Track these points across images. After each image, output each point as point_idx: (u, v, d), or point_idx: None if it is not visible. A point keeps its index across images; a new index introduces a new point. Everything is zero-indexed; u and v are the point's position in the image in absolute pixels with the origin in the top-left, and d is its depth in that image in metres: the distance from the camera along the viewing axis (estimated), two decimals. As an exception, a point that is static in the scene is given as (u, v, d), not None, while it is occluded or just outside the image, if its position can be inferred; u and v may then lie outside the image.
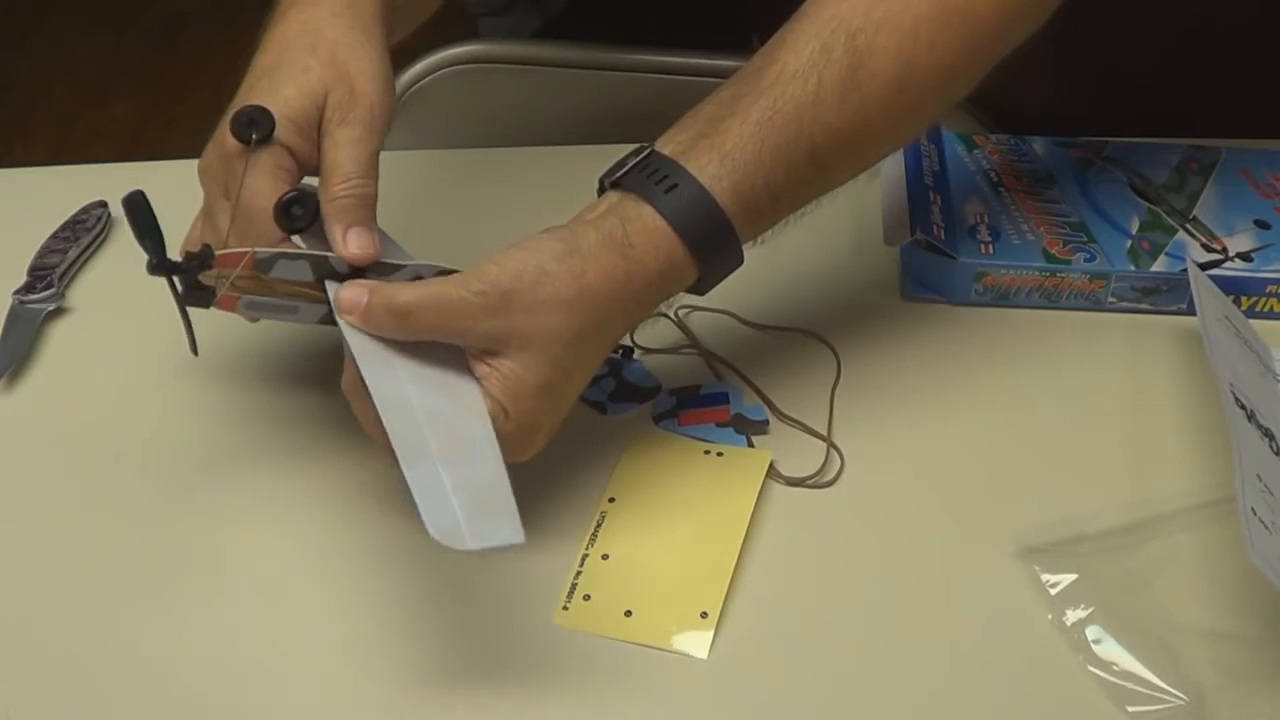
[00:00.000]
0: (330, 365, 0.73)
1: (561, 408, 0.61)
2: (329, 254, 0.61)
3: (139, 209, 0.58)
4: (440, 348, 0.59)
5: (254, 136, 0.61)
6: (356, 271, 0.61)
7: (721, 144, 0.61)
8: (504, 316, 0.58)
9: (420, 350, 0.59)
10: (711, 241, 0.62)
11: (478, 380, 0.59)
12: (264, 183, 0.62)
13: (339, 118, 0.63)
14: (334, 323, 0.60)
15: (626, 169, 0.62)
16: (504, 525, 0.54)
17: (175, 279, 0.58)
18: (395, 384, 0.58)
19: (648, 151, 0.62)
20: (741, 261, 0.64)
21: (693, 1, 1.18)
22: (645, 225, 0.61)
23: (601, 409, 0.70)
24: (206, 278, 0.59)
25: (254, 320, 0.65)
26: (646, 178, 0.61)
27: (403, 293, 0.58)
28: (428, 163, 0.91)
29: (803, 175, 0.63)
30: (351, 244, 0.61)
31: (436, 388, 0.58)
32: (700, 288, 0.64)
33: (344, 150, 0.63)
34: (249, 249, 0.59)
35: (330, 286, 0.61)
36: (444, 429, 0.57)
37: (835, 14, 0.63)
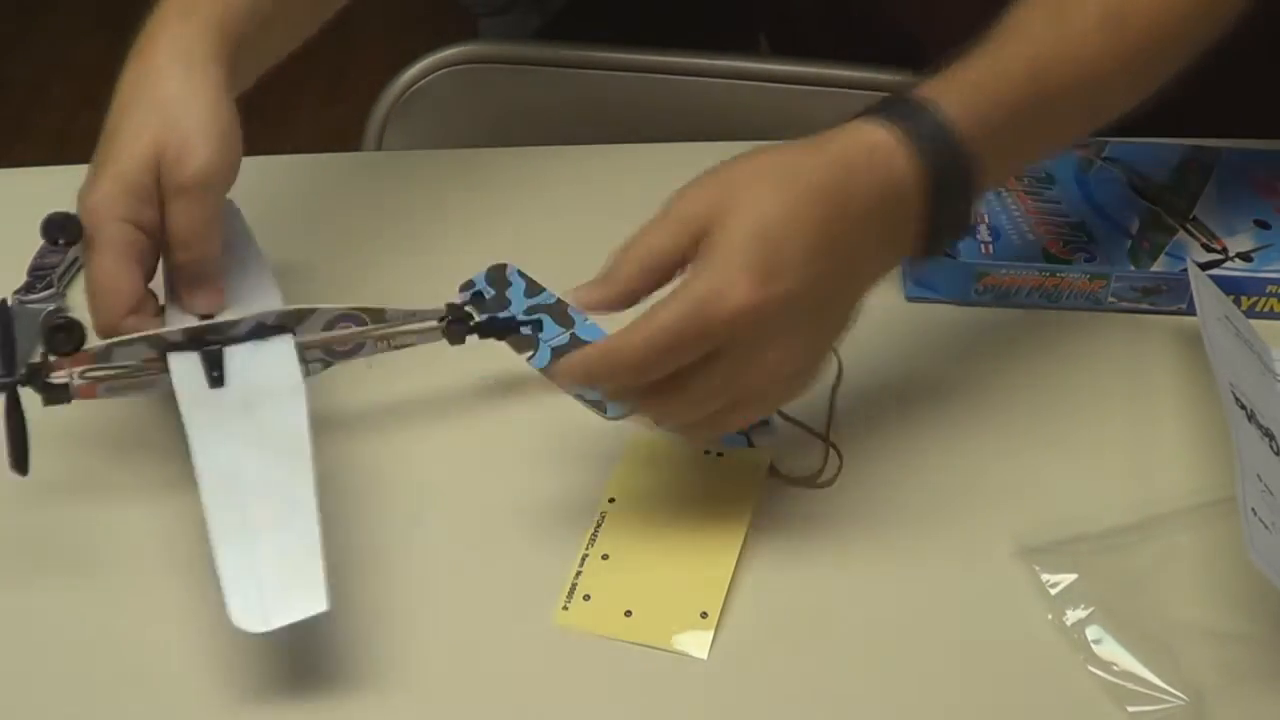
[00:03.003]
0: (333, 368, 0.73)
1: (781, 262, 0.55)
2: (160, 330, 0.63)
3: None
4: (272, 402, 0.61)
5: (61, 241, 0.65)
6: (194, 336, 0.63)
7: (953, 75, 0.61)
8: (709, 195, 0.56)
9: (257, 409, 0.61)
10: (939, 154, 0.59)
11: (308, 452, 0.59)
12: (114, 264, 0.63)
13: (174, 184, 0.64)
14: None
15: (861, 111, 0.61)
16: (306, 597, 0.54)
17: (23, 389, 0.61)
18: (228, 454, 0.59)
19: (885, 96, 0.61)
20: (972, 200, 0.61)
21: (694, 2, 1.18)
22: (865, 132, 0.58)
23: (602, 409, 0.70)
24: (57, 378, 0.62)
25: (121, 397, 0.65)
26: (879, 105, 0.60)
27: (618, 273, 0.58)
28: (427, 163, 0.91)
29: (1034, 115, 0.61)
30: (199, 305, 0.65)
31: (273, 450, 0.59)
32: (937, 231, 0.61)
33: (179, 220, 0.64)
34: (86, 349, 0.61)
35: (173, 359, 0.62)
36: (272, 494, 0.57)
37: None
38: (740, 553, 0.62)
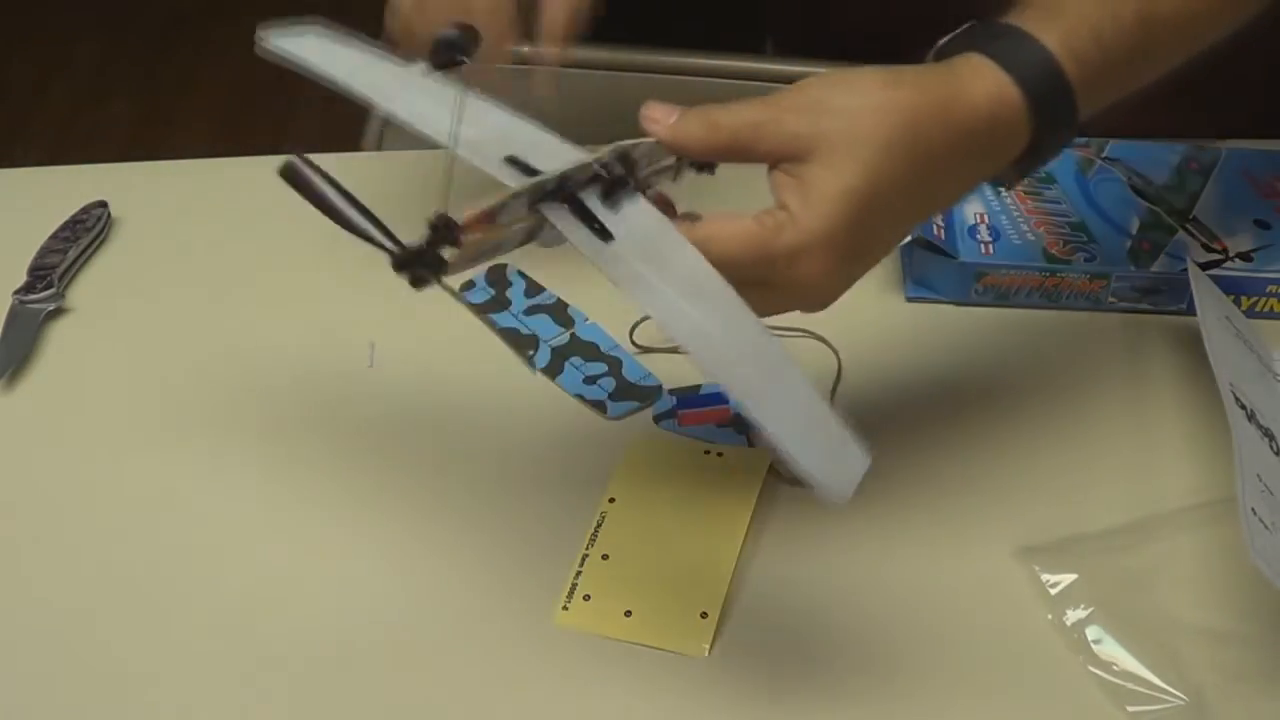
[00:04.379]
0: (332, 365, 0.73)
1: (867, 242, 0.56)
2: (532, 180, 0.56)
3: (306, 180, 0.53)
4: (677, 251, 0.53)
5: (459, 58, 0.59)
6: (560, 188, 0.55)
7: (1041, 4, 0.59)
8: (810, 118, 0.54)
9: (659, 260, 0.53)
10: (1042, 85, 0.57)
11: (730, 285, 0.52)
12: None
13: None
14: (537, 240, 0.56)
15: (946, 40, 0.59)
16: (853, 452, 0.52)
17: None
18: (679, 313, 0.51)
19: (971, 23, 0.60)
20: (1076, 126, 0.60)
21: (695, 2, 1.18)
22: (971, 64, 0.57)
23: (602, 409, 0.70)
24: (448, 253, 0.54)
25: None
26: (971, 37, 0.59)
27: (711, 108, 0.56)
28: (427, 163, 0.91)
29: (1132, 39, 0.59)
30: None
31: (710, 302, 0.52)
32: (1033, 155, 0.60)
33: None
34: (481, 208, 0.55)
35: (551, 213, 0.55)
36: (747, 349, 0.51)
37: None
38: (740, 553, 0.62)
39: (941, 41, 0.60)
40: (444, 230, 0.53)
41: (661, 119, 0.57)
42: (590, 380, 0.70)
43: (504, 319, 0.75)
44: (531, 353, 0.71)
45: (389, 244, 0.52)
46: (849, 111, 0.54)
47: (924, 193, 0.57)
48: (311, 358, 0.74)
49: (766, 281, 0.54)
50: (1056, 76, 0.58)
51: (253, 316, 0.77)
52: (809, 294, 0.56)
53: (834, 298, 0.57)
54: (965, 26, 0.60)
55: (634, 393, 0.71)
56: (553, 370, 0.72)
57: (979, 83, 0.57)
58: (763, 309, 0.54)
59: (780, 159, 0.55)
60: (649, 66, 1.02)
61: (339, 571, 0.63)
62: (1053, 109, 0.58)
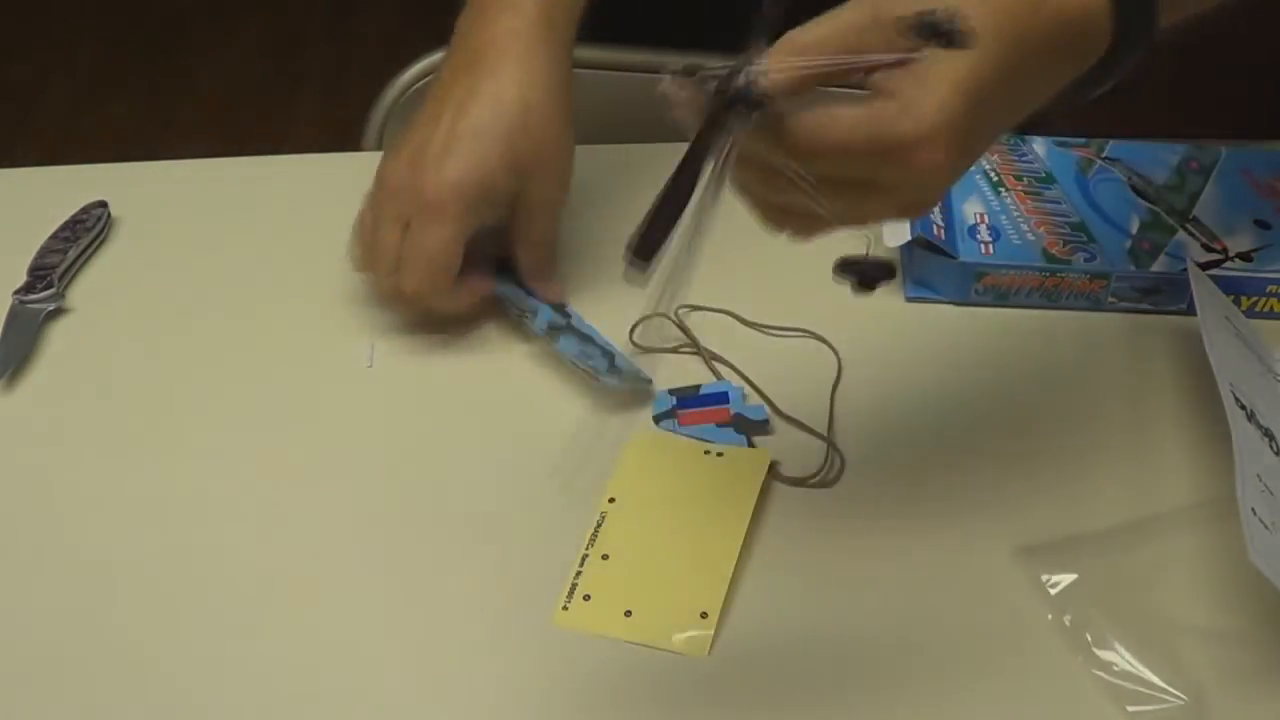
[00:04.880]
0: (332, 364, 0.73)
1: (980, 131, 0.53)
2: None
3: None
4: None
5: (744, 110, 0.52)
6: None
7: None
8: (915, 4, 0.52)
9: None
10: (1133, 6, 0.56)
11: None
12: (455, 244, 0.71)
13: (535, 198, 0.73)
14: None
15: None
16: None
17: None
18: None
19: None
20: (1154, 33, 0.58)
21: (693, 2, 1.18)
22: None
23: (597, 376, 0.69)
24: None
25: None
26: None
27: (797, 32, 0.53)
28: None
29: None
30: (551, 295, 0.74)
31: None
32: (1110, 62, 0.58)
33: (536, 224, 0.74)
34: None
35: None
36: None
37: None
38: (740, 553, 0.62)
39: None
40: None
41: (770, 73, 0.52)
42: (586, 356, 0.71)
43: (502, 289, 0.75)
44: (531, 317, 0.71)
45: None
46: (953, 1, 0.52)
47: (1025, 84, 0.55)
48: (311, 357, 0.74)
49: (871, 181, 0.52)
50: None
51: (253, 316, 0.77)
52: (918, 192, 0.53)
53: (941, 196, 0.56)
54: None
55: (627, 378, 0.71)
56: (551, 338, 0.72)
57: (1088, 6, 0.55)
58: (861, 213, 0.54)
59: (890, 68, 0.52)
60: (649, 66, 1.02)
61: (338, 571, 0.63)
62: (1135, 11, 0.56)
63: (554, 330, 0.72)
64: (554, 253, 0.76)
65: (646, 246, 0.51)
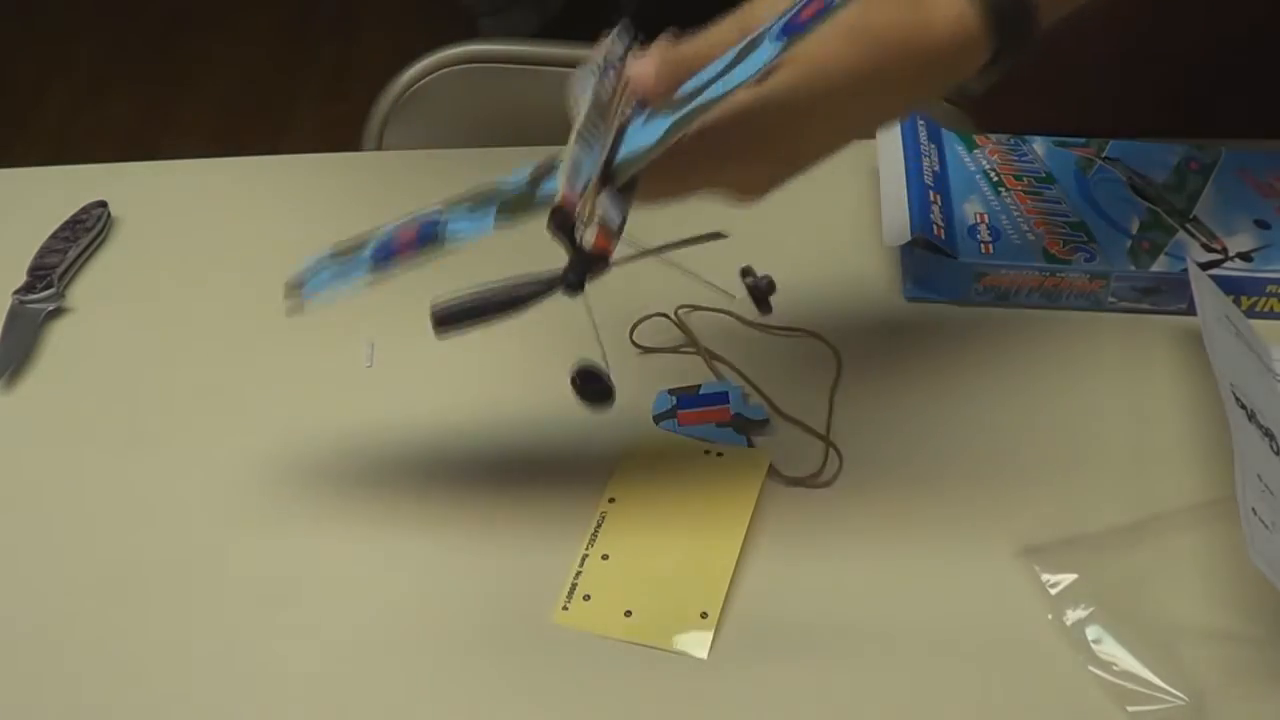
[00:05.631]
0: (331, 364, 0.73)
1: (813, 140, 0.58)
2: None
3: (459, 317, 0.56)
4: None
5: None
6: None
7: None
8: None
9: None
10: (1005, 4, 0.58)
11: None
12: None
13: None
14: None
15: None
16: None
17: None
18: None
19: None
20: (1038, 40, 0.60)
21: (693, 2, 1.18)
22: None
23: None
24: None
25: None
26: None
27: (687, 45, 0.57)
28: (428, 163, 0.91)
29: None
30: None
31: None
32: (991, 68, 0.60)
33: None
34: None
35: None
36: None
37: None
38: (740, 553, 0.62)
39: None
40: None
41: (642, 75, 0.57)
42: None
43: None
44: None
45: (559, 280, 0.54)
46: (818, 33, 0.54)
47: (882, 99, 0.58)
48: (311, 357, 0.74)
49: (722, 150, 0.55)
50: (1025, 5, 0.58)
51: (252, 316, 0.77)
52: (736, 168, 0.57)
53: (766, 180, 0.59)
54: None
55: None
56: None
57: (941, 10, 0.57)
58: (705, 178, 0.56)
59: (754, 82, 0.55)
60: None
61: (337, 571, 0.63)
62: (1013, 24, 0.58)
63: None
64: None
65: (446, 324, 0.55)
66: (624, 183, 0.54)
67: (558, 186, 0.55)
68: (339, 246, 0.61)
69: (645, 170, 0.55)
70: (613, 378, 0.58)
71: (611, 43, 0.58)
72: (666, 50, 0.57)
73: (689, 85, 0.56)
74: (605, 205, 0.54)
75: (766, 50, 0.52)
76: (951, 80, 0.60)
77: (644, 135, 0.54)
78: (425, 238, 0.58)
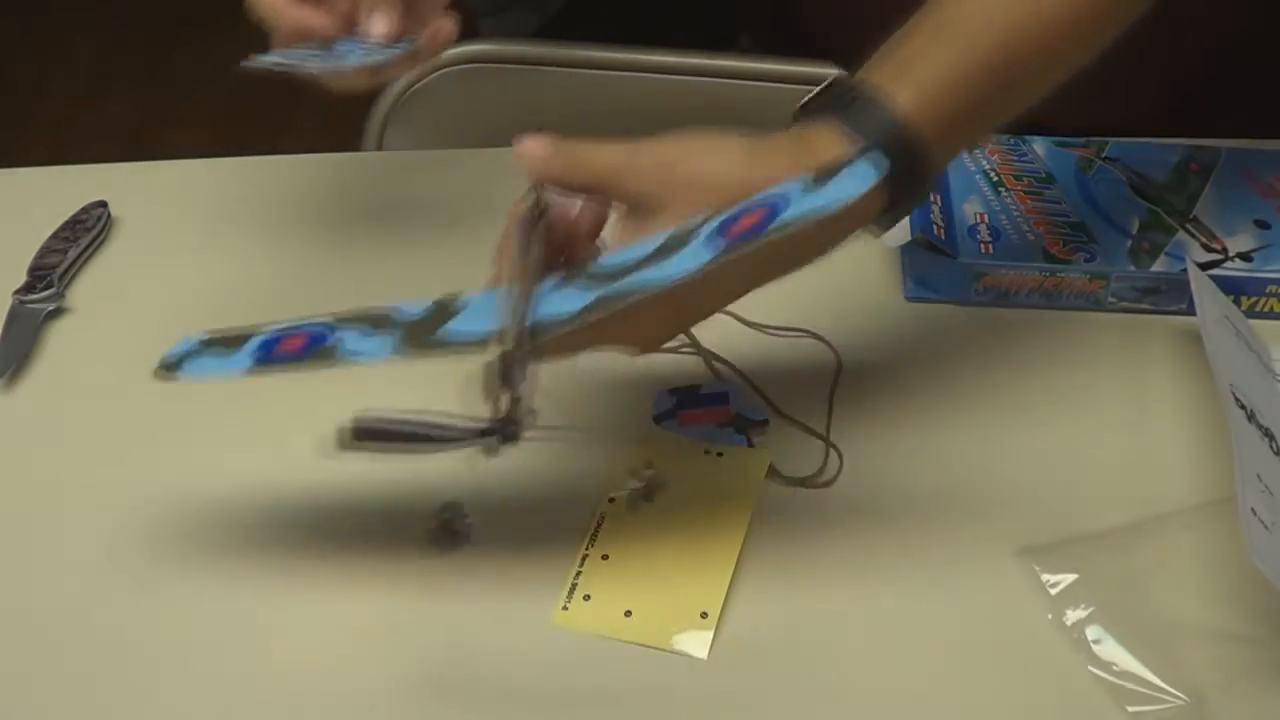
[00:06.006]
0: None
1: (716, 302, 0.60)
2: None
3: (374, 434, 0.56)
4: None
5: None
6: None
7: (899, 54, 0.60)
8: (664, 178, 0.57)
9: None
10: (895, 150, 0.58)
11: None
12: None
13: None
14: None
15: (811, 95, 0.61)
16: None
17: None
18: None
19: (833, 78, 0.61)
20: (931, 180, 0.61)
21: (693, 2, 1.18)
22: (825, 136, 0.58)
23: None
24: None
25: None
26: (830, 98, 0.60)
27: (582, 145, 0.59)
28: (427, 163, 0.91)
29: (988, 78, 0.60)
30: (375, 27, 0.66)
31: None
32: (892, 211, 0.61)
33: None
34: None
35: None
36: None
37: None
38: (740, 553, 0.62)
39: (804, 99, 0.61)
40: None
41: (533, 151, 0.59)
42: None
43: None
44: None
45: (477, 430, 0.55)
46: (700, 182, 0.57)
47: (769, 259, 0.58)
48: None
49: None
50: (909, 140, 0.58)
51: (252, 316, 0.77)
52: (634, 329, 0.58)
53: (663, 337, 0.61)
54: (827, 83, 0.61)
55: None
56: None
57: (832, 156, 0.57)
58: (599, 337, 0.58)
59: (632, 207, 0.58)
60: (648, 66, 1.02)
61: (337, 570, 0.63)
62: (905, 171, 0.59)
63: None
64: None
65: (360, 440, 0.55)
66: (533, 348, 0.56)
67: (467, 332, 0.56)
68: (216, 336, 0.61)
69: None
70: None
71: (529, 206, 0.59)
72: (560, 142, 0.59)
73: (610, 260, 0.56)
74: (520, 369, 0.55)
75: (703, 252, 0.53)
76: (851, 232, 0.61)
77: (559, 302, 0.55)
78: (313, 348, 0.59)
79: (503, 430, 0.55)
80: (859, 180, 0.52)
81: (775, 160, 0.57)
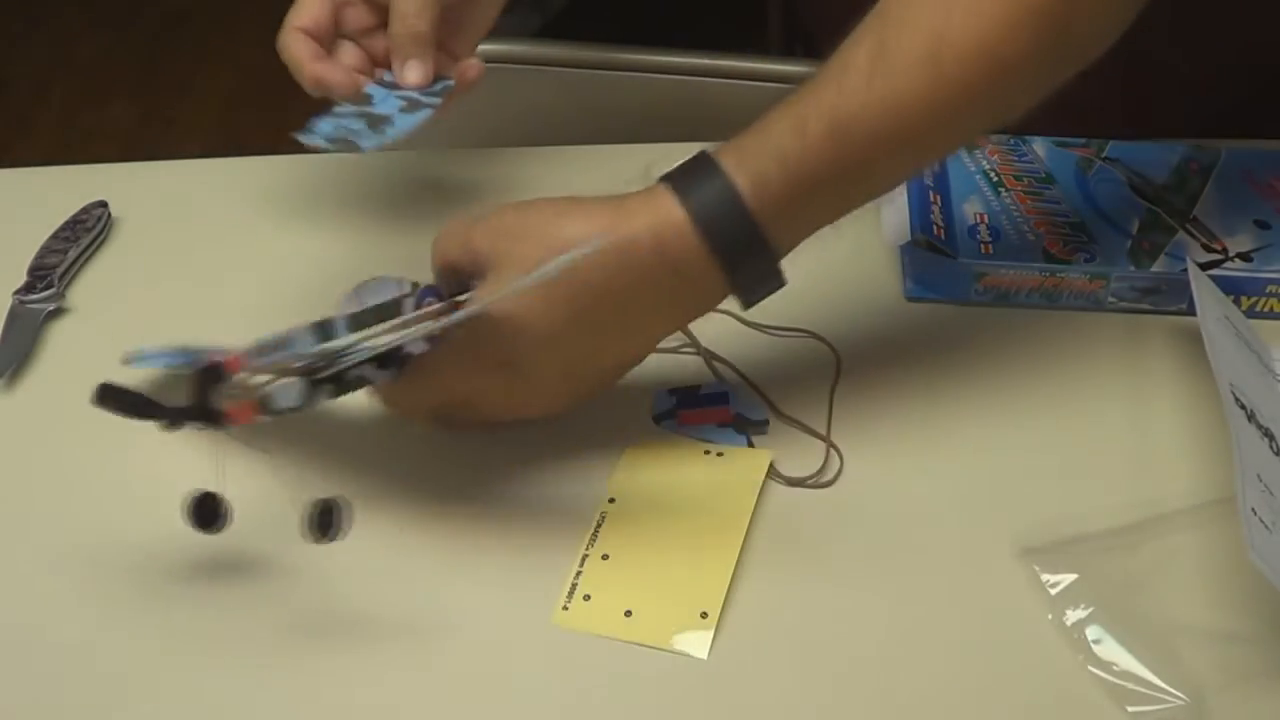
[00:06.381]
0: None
1: (527, 359, 0.61)
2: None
3: (119, 398, 0.60)
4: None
5: None
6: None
7: (751, 133, 0.60)
8: (491, 240, 0.60)
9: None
10: (717, 213, 0.59)
11: None
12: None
13: None
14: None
15: (676, 166, 0.62)
16: None
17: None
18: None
19: (699, 152, 0.62)
20: (775, 266, 0.62)
21: (694, 1, 1.18)
22: (653, 198, 0.60)
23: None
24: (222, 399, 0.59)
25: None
26: (682, 170, 0.61)
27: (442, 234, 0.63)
28: (427, 163, 0.91)
29: (836, 168, 0.59)
30: (409, 76, 0.70)
31: None
32: (744, 284, 0.62)
33: None
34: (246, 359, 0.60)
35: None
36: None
37: None
38: (740, 553, 0.62)
39: (673, 168, 0.62)
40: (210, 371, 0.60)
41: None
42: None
43: None
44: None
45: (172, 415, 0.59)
46: (523, 240, 0.59)
47: (596, 325, 0.61)
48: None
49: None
50: (732, 204, 0.59)
51: (252, 316, 0.77)
52: (474, 399, 0.63)
53: (504, 409, 0.64)
54: (693, 155, 0.62)
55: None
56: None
57: (644, 216, 0.59)
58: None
59: (471, 275, 0.61)
60: (649, 66, 1.02)
61: (337, 569, 0.63)
62: (734, 237, 0.59)
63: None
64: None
65: (111, 402, 0.59)
66: (321, 379, 0.60)
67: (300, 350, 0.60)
68: (183, 350, 0.66)
69: (388, 382, 0.62)
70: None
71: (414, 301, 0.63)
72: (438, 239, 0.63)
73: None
74: (286, 389, 0.59)
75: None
76: (691, 291, 0.62)
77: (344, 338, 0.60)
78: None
79: (201, 417, 0.59)
80: None
81: (592, 217, 0.60)
